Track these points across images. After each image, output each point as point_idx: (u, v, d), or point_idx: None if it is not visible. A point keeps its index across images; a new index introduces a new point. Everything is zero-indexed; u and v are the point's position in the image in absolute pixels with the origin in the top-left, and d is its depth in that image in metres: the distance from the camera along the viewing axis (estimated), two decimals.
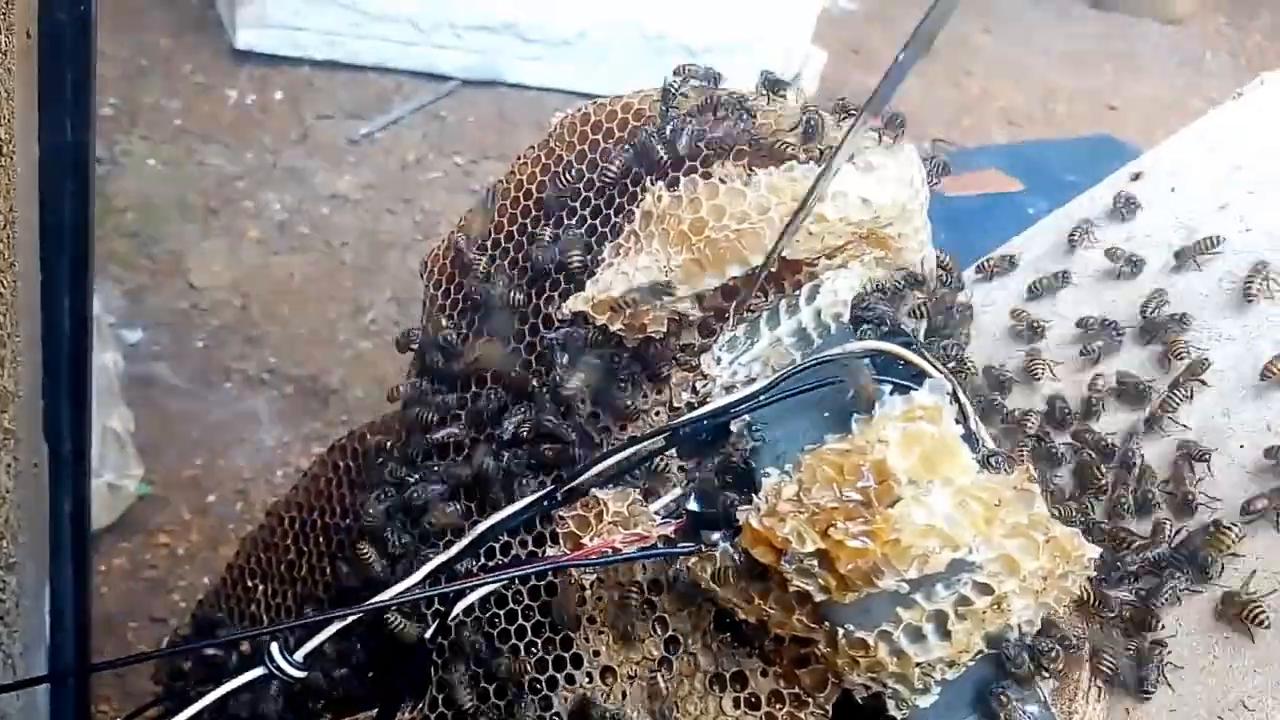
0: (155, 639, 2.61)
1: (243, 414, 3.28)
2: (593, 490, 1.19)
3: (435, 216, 4.07)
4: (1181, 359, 1.32)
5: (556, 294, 1.30)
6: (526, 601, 1.26)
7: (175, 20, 4.63)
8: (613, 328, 1.22)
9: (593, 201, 1.30)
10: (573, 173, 1.32)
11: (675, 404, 1.23)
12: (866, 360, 1.11)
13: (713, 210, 1.17)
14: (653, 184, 1.22)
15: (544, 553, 1.23)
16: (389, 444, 1.42)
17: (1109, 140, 4.40)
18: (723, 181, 1.18)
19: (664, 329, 1.22)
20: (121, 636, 2.64)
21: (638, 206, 1.23)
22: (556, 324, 1.28)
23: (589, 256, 1.28)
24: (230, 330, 3.53)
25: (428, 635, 1.26)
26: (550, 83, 4.78)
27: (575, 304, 1.23)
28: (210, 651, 1.54)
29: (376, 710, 1.30)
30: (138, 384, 3.24)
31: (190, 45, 4.54)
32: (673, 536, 1.16)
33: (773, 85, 1.28)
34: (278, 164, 4.16)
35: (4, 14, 1.29)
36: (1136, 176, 1.54)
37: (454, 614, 1.25)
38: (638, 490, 1.19)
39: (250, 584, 1.65)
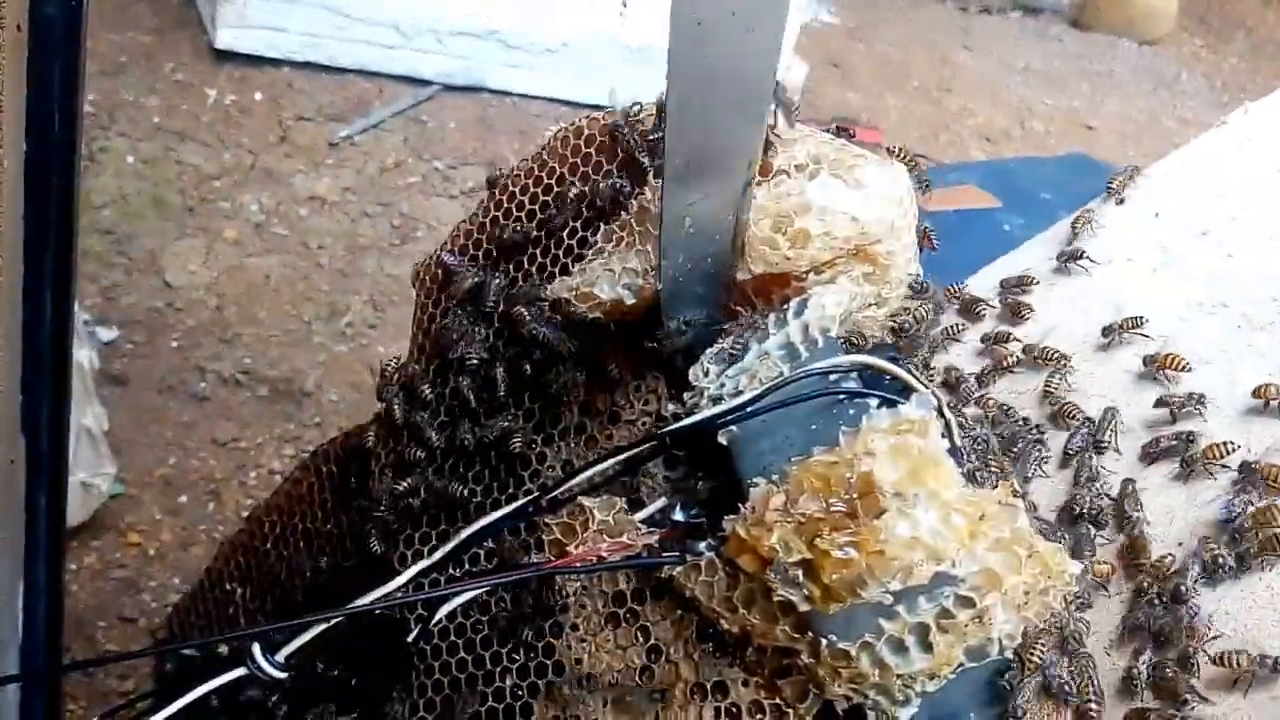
0: (125, 639, 2.60)
1: (216, 414, 3.27)
2: (579, 498, 1.20)
3: (413, 221, 4.06)
4: (1181, 370, 1.34)
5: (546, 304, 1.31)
6: (509, 608, 1.26)
7: (156, 18, 4.60)
8: (591, 316, 1.23)
9: (584, 214, 1.31)
10: (565, 185, 1.33)
11: (662, 413, 1.24)
12: (854, 374, 1.13)
13: None
14: (654, 179, 1.23)
15: (529, 559, 1.24)
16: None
17: (1085, 159, 4.45)
18: None
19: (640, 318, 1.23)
20: (91, 636, 2.62)
21: (635, 199, 1.24)
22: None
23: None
24: (205, 330, 3.51)
25: (410, 639, 1.26)
26: (532, 90, 4.79)
27: (559, 290, 1.23)
28: (192, 654, 1.54)
29: (358, 713, 1.31)
30: (112, 382, 3.22)
31: (170, 44, 4.52)
32: (657, 546, 1.17)
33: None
34: (256, 165, 4.14)
35: None
36: (1120, 201, 1.56)
37: (437, 618, 1.25)
38: (624, 499, 1.20)
39: (228, 587, 1.65)
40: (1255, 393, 1.28)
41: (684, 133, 1.02)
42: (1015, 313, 1.49)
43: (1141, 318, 1.40)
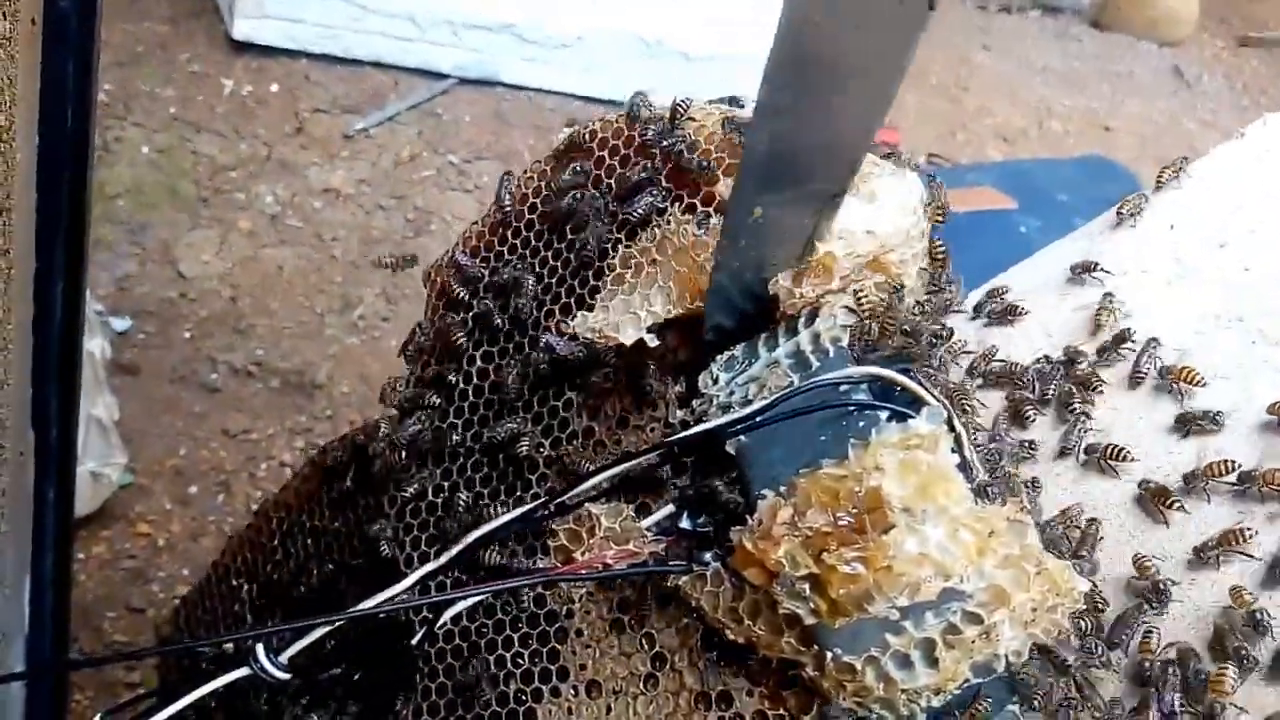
0: (133, 629, 2.60)
1: (227, 406, 3.27)
2: (586, 505, 1.20)
3: (427, 214, 4.06)
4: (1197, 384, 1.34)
5: (557, 307, 1.30)
6: (515, 613, 1.26)
7: (172, 8, 4.61)
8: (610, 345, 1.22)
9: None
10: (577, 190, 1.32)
11: (670, 421, 1.23)
12: (864, 386, 1.12)
13: None
14: (679, 211, 1.22)
15: (535, 564, 1.23)
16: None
17: (1103, 161, 4.43)
18: None
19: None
20: (98, 627, 2.62)
21: (658, 227, 1.23)
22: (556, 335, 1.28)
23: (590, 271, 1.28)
24: (218, 321, 3.51)
25: (414, 642, 1.26)
26: (547, 84, 4.78)
27: (581, 329, 1.22)
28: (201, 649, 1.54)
29: (360, 714, 1.30)
30: (123, 372, 3.23)
31: (187, 34, 4.52)
32: (664, 554, 1.16)
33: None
34: (271, 156, 4.14)
35: (10, 0, 1.28)
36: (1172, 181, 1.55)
37: (441, 622, 1.25)
38: (630, 506, 1.20)
39: (235, 583, 1.65)
40: (1271, 409, 1.27)
41: (775, 130, 0.98)
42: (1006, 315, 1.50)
43: (1130, 330, 1.40)
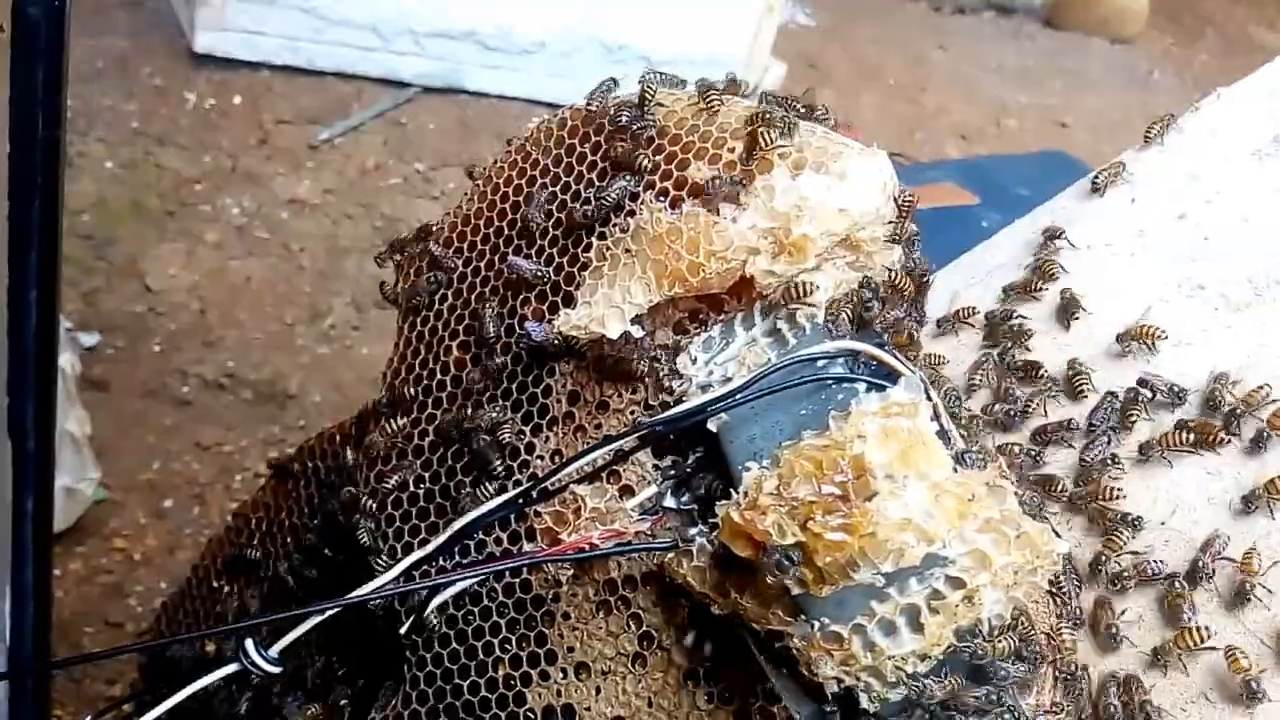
0: (112, 644, 2.58)
1: (200, 418, 3.25)
2: (571, 487, 1.21)
3: (394, 222, 4.06)
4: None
5: (533, 296, 1.31)
6: (501, 598, 1.26)
7: (133, 22, 4.59)
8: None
9: (569, 205, 1.31)
10: (549, 178, 1.33)
11: (651, 402, 1.25)
12: (841, 360, 1.14)
13: (709, 255, 1.18)
14: (654, 200, 1.24)
15: (520, 548, 1.24)
16: None
17: (1060, 156, 4.50)
18: (718, 212, 1.20)
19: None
20: (77, 642, 2.60)
21: (631, 217, 1.24)
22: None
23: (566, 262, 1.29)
24: (187, 334, 3.50)
25: (402, 631, 1.27)
26: (510, 91, 4.80)
27: (564, 327, 1.23)
28: (181, 651, 1.54)
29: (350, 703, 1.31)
30: (93, 387, 3.21)
31: (148, 48, 4.50)
32: (649, 533, 1.18)
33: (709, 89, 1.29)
34: (236, 168, 4.13)
35: None
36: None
37: (429, 610, 1.25)
38: (615, 487, 1.21)
39: (216, 584, 1.65)
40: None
41: None
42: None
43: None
